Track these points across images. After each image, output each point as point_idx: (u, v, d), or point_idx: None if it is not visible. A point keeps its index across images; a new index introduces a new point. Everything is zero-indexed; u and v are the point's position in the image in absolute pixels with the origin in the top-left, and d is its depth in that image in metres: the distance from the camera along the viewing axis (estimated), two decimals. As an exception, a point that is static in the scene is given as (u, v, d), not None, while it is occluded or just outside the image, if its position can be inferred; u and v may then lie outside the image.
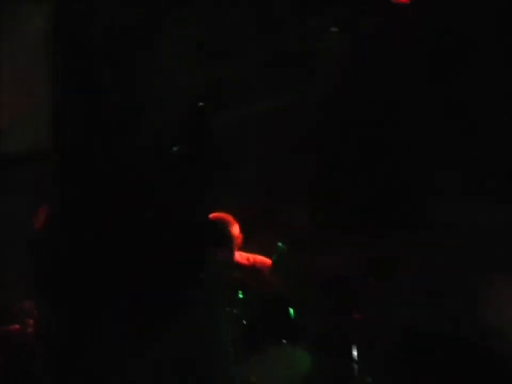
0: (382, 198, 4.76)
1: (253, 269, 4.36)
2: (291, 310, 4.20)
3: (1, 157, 4.77)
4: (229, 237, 4.23)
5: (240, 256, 4.33)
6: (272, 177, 4.86)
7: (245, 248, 4.36)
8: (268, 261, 4.36)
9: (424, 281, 4.48)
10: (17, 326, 4.30)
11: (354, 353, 4.14)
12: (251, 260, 4.38)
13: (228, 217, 4.29)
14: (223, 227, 4.21)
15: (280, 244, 4.32)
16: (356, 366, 4.11)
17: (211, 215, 4.34)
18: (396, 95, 4.71)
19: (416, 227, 4.60)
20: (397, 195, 4.80)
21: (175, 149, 3.43)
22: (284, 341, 4.07)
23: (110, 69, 3.96)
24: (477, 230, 4.34)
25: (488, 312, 4.17)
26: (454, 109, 4.63)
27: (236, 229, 4.21)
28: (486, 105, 4.51)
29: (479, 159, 4.59)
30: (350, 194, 4.85)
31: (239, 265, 4.27)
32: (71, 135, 3.55)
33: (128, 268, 3.14)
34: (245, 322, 4.00)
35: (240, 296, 4.08)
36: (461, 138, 4.52)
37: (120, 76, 4.03)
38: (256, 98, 5.09)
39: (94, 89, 3.76)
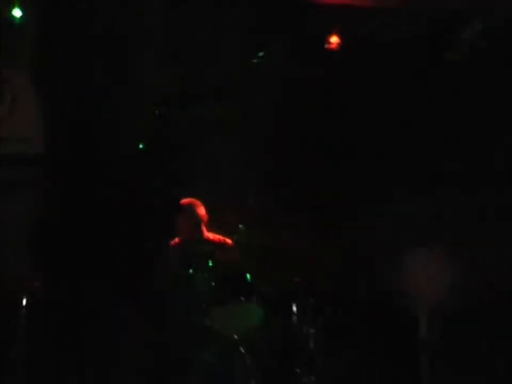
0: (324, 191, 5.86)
1: (220, 245, 5.30)
2: (248, 276, 5.00)
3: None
4: (197, 216, 5.24)
5: (210, 235, 5.32)
6: (234, 171, 5.75)
7: (213, 229, 5.33)
8: (229, 240, 5.32)
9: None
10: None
11: (294, 309, 5.03)
12: (217, 238, 5.36)
13: (197, 201, 5.31)
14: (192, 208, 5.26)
15: (241, 226, 5.27)
16: (295, 318, 4.99)
17: (184, 200, 5.32)
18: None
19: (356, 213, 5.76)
20: (338, 188, 5.90)
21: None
22: (242, 299, 4.87)
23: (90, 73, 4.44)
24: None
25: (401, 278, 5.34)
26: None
27: (202, 211, 5.24)
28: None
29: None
30: (297, 185, 5.86)
31: (209, 241, 5.26)
32: (57, 140, 4.07)
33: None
34: (213, 284, 4.80)
35: (210, 264, 4.87)
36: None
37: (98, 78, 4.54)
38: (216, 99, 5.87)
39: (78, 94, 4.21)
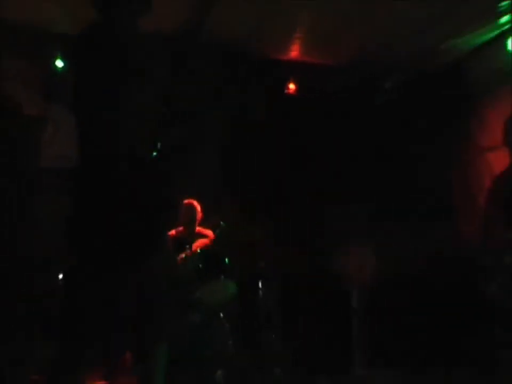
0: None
1: (206, 237, 5.94)
2: (226, 260, 5.76)
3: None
4: (195, 214, 5.90)
5: (200, 229, 6.00)
6: (218, 179, 6.44)
7: (201, 224, 6.03)
8: (211, 233, 5.92)
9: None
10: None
11: (260, 287, 6.00)
12: (204, 231, 5.99)
13: (195, 202, 5.97)
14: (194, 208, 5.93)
15: (222, 223, 5.90)
16: (261, 293, 5.99)
17: (185, 201, 5.92)
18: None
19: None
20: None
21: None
22: (222, 277, 5.64)
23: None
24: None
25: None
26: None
27: (199, 210, 5.97)
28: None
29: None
30: (265, 191, 6.79)
31: (199, 234, 5.92)
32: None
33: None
34: (200, 265, 5.54)
35: (199, 251, 5.62)
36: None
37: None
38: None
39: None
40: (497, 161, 6.25)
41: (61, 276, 5.18)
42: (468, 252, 5.96)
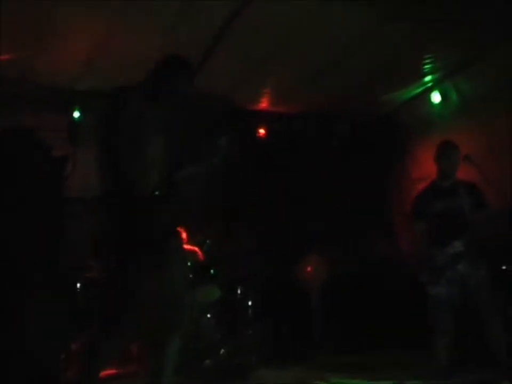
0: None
1: (194, 253, 6.61)
2: (212, 271, 6.62)
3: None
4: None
5: (189, 247, 6.54)
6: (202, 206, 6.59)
7: (190, 243, 6.61)
8: (198, 251, 6.63)
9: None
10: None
11: (239, 291, 6.64)
12: (192, 248, 6.61)
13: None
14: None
15: (207, 241, 6.78)
16: (239, 296, 6.59)
17: None
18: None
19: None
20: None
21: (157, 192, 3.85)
22: (209, 284, 6.39)
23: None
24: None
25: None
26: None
27: (184, 233, 6.26)
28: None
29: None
30: (241, 213, 7.66)
31: (188, 251, 6.31)
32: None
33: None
34: (191, 276, 5.99)
35: (189, 264, 6.00)
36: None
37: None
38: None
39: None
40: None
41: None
42: (403, 261, 7.27)
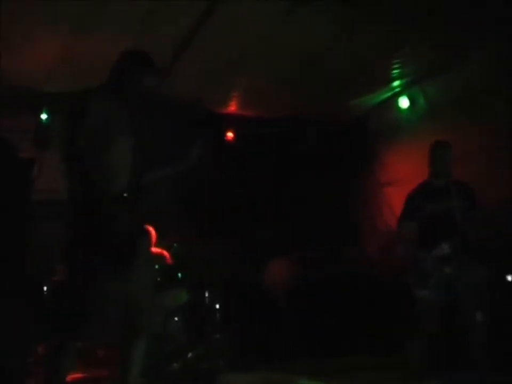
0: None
1: (162, 256, 6.57)
2: (179, 275, 6.58)
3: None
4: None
5: (157, 250, 6.48)
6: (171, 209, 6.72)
7: (158, 246, 6.48)
8: (167, 253, 6.58)
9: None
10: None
11: (207, 294, 6.51)
12: (160, 251, 6.57)
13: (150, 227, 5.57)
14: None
15: (175, 244, 6.76)
16: (207, 299, 6.45)
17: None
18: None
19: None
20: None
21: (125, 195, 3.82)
22: (177, 287, 6.34)
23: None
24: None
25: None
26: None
27: (153, 233, 6.12)
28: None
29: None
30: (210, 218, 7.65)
31: (156, 254, 6.31)
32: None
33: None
34: (159, 279, 6.03)
35: (157, 267, 6.07)
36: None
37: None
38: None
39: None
40: (392, 193, 7.83)
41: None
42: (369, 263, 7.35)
